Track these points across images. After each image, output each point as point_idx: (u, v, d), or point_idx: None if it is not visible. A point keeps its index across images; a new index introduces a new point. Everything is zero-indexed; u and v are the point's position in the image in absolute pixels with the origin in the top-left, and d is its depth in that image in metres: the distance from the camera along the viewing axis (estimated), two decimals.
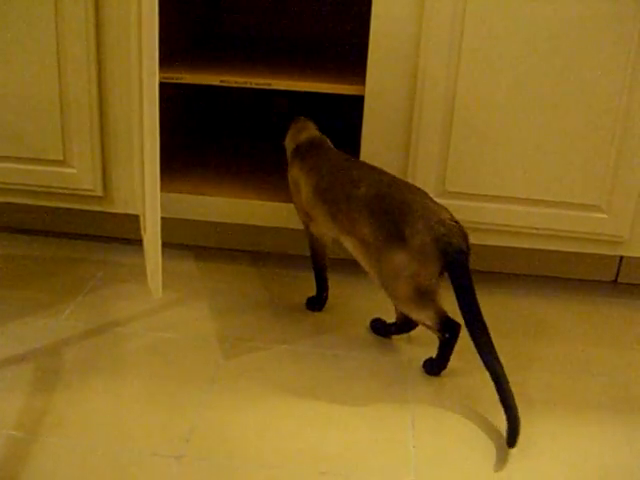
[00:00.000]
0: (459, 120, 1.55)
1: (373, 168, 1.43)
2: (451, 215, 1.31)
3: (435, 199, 1.57)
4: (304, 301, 1.60)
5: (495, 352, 1.23)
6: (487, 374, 1.21)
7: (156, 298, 1.35)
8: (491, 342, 1.24)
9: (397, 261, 1.29)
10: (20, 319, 1.48)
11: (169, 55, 1.81)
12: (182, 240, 1.85)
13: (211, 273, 1.72)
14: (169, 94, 1.80)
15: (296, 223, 1.66)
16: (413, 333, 1.47)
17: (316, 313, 1.56)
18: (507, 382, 1.21)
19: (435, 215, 1.28)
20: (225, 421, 1.22)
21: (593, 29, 1.46)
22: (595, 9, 1.45)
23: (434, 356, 1.38)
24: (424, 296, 1.31)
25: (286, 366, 1.38)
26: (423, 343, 1.45)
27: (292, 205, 1.58)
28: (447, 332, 1.34)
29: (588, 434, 1.23)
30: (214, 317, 1.53)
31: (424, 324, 1.35)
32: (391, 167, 1.58)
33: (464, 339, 1.27)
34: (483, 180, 1.59)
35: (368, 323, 1.51)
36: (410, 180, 1.59)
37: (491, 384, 1.20)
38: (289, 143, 1.61)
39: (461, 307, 1.26)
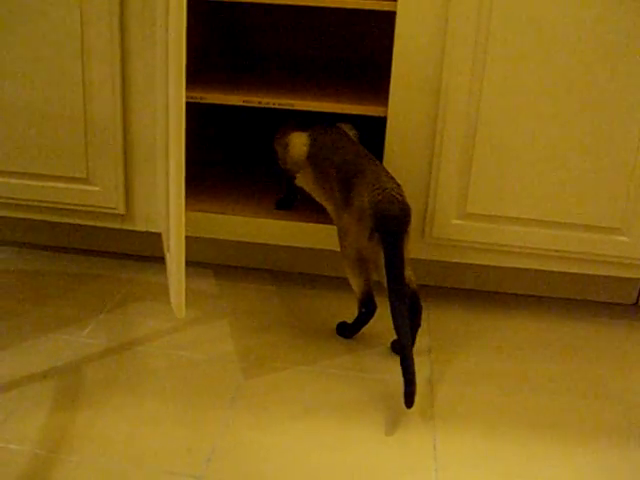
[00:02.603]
0: (481, 142, 1.55)
1: (354, 143, 1.55)
2: (399, 189, 1.40)
3: (456, 221, 1.60)
4: (326, 321, 1.60)
5: (407, 320, 1.31)
6: (513, 398, 1.20)
7: (179, 317, 1.35)
8: (406, 309, 1.32)
9: (343, 222, 1.44)
10: (42, 335, 1.49)
11: (191, 74, 1.83)
12: (203, 259, 1.85)
13: (232, 292, 1.73)
14: (191, 112, 1.82)
15: (319, 243, 1.67)
16: (432, 346, 1.47)
17: (336, 333, 1.56)
18: (411, 350, 1.28)
19: (381, 184, 1.39)
20: (246, 441, 1.22)
21: (618, 49, 1.46)
22: (620, 27, 1.45)
23: (350, 322, 1.53)
24: (361, 263, 1.43)
25: (307, 387, 1.38)
26: (443, 360, 1.44)
27: (315, 225, 1.66)
28: (364, 307, 1.48)
29: (604, 459, 1.22)
30: (235, 336, 1.53)
31: (354, 290, 1.47)
32: (413, 188, 1.59)
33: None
34: (504, 202, 1.59)
35: (389, 344, 1.51)
36: (431, 201, 1.60)
37: (517, 406, 1.19)
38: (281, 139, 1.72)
39: (386, 271, 1.33)
